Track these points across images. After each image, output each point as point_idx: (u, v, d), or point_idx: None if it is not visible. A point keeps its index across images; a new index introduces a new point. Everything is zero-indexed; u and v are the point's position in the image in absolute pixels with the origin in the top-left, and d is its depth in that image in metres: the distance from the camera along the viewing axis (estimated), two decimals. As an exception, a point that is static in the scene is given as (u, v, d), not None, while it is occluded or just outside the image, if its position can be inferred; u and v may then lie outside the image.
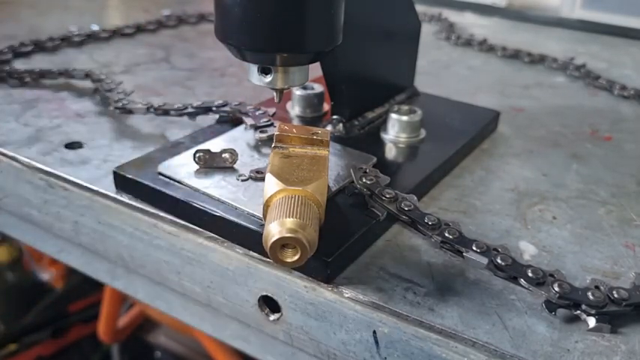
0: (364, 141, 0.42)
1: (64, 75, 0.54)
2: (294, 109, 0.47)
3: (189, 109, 0.44)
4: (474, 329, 0.27)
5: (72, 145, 0.43)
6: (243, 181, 0.34)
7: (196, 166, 0.35)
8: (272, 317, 0.33)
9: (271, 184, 0.28)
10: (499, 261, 0.28)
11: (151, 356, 0.97)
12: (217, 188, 0.33)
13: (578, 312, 0.28)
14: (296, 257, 0.26)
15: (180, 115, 0.44)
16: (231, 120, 0.43)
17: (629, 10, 0.85)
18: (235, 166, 0.36)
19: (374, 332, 0.29)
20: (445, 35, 0.82)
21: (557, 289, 0.27)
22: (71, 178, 0.38)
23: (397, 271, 0.31)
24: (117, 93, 0.49)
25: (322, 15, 0.29)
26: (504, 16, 0.96)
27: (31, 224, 0.43)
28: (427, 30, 0.83)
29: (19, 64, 0.60)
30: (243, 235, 0.31)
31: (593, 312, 0.27)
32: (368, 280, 0.30)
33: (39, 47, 0.65)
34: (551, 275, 0.28)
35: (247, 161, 0.37)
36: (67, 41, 0.68)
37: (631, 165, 0.45)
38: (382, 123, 0.44)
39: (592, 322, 0.27)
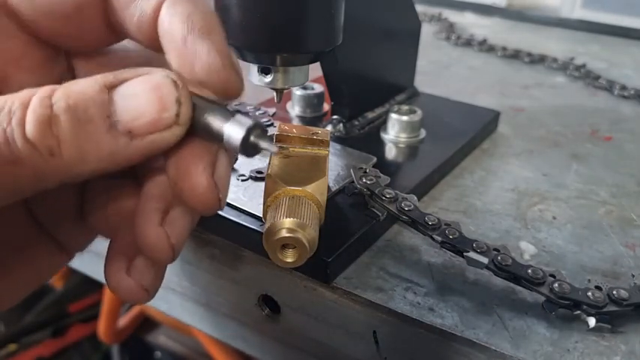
0: (364, 141, 0.42)
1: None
2: (294, 109, 0.47)
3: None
4: (473, 329, 0.27)
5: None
6: (243, 181, 0.34)
7: (196, 166, 0.35)
8: (272, 317, 0.33)
9: (271, 184, 0.28)
10: (499, 261, 0.28)
11: (150, 356, 0.97)
12: (217, 188, 0.33)
13: (578, 312, 0.28)
14: (296, 257, 0.26)
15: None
16: (231, 120, 0.43)
17: (629, 10, 0.85)
18: (235, 166, 0.36)
19: (374, 332, 0.29)
20: (445, 35, 0.82)
21: (557, 289, 0.27)
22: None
23: (397, 271, 0.31)
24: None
25: (322, 15, 0.29)
26: (504, 16, 0.96)
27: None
28: (427, 30, 0.83)
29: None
30: (243, 235, 0.31)
31: (593, 312, 0.27)
32: (368, 280, 0.30)
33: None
34: (552, 275, 0.28)
35: (247, 161, 0.37)
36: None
37: (631, 165, 0.45)
38: (382, 123, 0.44)
39: (592, 322, 0.27)
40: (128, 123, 0.18)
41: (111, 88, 0.18)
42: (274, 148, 0.19)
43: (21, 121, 0.17)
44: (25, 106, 0.17)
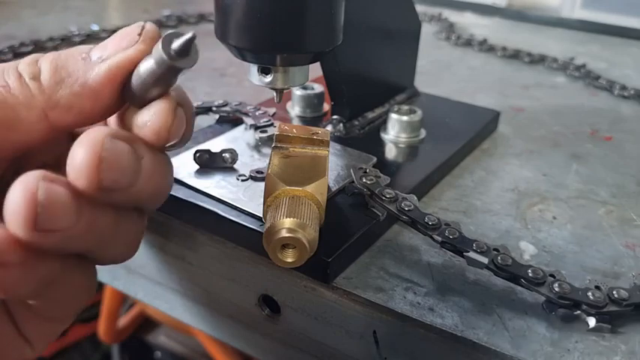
0: (364, 141, 0.42)
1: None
2: (294, 109, 0.47)
3: (189, 109, 0.44)
4: (474, 329, 0.27)
5: (72, 145, 0.42)
6: (243, 181, 0.34)
7: (196, 166, 0.35)
8: (272, 317, 0.33)
9: (271, 184, 0.28)
10: (499, 261, 0.28)
11: (150, 356, 0.96)
12: (217, 188, 0.33)
13: (578, 312, 0.28)
14: (296, 257, 0.26)
15: (180, 115, 0.44)
16: (231, 120, 0.43)
17: (629, 10, 0.85)
18: (235, 166, 0.36)
19: (374, 332, 0.29)
20: (445, 35, 0.82)
21: (557, 289, 0.27)
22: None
23: (397, 271, 0.31)
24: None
25: (322, 15, 0.29)
26: (504, 16, 0.96)
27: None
28: (427, 30, 0.83)
29: (19, 64, 0.60)
30: (243, 235, 0.31)
31: (593, 312, 0.27)
32: (368, 280, 0.30)
33: (39, 47, 0.65)
34: (552, 275, 0.28)
35: (247, 161, 0.37)
36: (67, 41, 0.68)
37: (631, 165, 0.45)
38: (382, 123, 0.44)
39: (592, 322, 0.27)
40: (99, 53, 0.21)
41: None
42: (190, 34, 0.20)
43: (17, 64, 0.22)
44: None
